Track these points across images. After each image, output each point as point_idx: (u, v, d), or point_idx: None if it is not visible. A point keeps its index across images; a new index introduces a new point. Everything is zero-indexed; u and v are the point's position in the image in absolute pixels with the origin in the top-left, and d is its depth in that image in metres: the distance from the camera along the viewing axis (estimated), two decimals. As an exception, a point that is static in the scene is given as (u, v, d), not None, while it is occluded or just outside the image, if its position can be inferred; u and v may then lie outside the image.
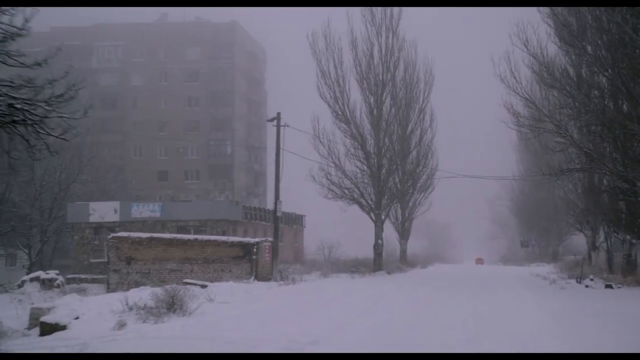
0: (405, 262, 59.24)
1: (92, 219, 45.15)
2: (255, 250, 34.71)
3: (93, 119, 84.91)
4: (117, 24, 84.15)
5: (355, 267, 47.15)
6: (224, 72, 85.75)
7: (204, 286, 27.05)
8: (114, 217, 45.29)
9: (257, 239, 35.37)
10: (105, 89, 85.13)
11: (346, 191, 43.99)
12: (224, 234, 45.02)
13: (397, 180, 45.94)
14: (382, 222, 44.57)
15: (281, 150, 37.96)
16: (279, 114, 38.14)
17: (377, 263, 44.10)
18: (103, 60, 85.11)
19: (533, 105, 31.00)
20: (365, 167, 43.98)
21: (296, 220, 60.95)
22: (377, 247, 44.24)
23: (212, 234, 44.79)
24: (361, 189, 44.13)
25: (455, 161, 46.23)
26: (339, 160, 43.72)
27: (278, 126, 37.77)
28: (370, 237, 70.01)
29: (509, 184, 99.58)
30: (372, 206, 44.06)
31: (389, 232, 62.58)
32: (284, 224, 57.69)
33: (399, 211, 60.42)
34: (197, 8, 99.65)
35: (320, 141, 43.58)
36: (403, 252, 60.46)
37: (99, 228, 44.34)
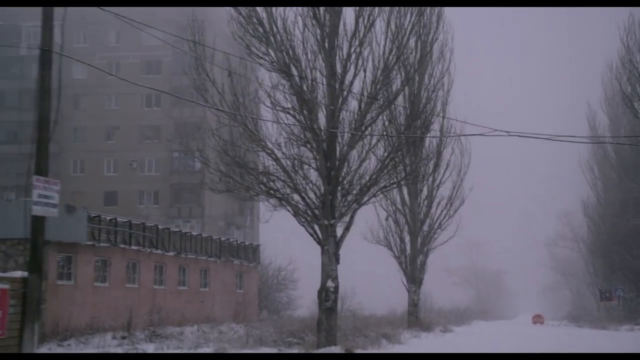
0: (415, 321, 36.08)
1: None
2: None
3: (19, 123, 65.27)
4: (52, -3, 63.80)
5: (298, 334, 24.62)
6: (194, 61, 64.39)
7: None
8: None
9: None
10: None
11: (262, 178, 21.33)
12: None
13: (364, 153, 22.34)
14: (338, 243, 21.60)
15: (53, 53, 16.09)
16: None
17: (326, 329, 20.97)
18: (35, 45, 64.44)
19: None
20: (304, 132, 21.34)
21: (241, 253, 38.20)
22: (326, 297, 21.19)
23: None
24: (293, 173, 21.44)
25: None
26: (246, 114, 21.24)
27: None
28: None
29: (576, 214, 75.34)
30: (315, 211, 21.28)
31: (391, 269, 39.66)
32: (213, 258, 35.03)
33: (407, 238, 37.47)
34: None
35: (207, 75, 21.46)
36: (412, 305, 37.11)
37: None
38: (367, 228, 37.44)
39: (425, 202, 37.60)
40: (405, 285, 37.50)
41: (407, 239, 37.40)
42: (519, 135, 17.78)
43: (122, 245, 27.77)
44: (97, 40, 65.12)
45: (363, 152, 21.66)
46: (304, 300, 65.12)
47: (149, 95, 64.98)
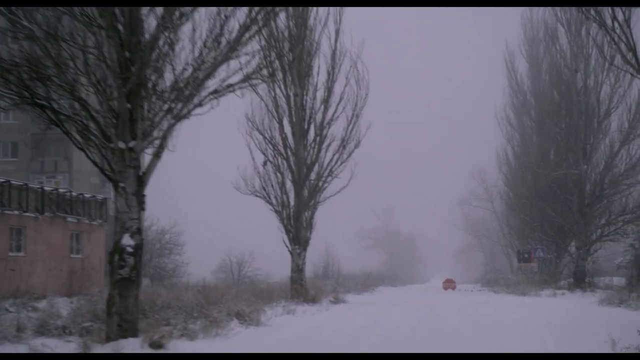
0: (300, 290, 28.92)
1: None
2: None
3: None
4: None
5: (92, 320, 16.85)
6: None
7: None
8: None
9: None
10: None
11: (10, 71, 13.46)
12: None
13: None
14: (142, 178, 13.96)
15: None
16: None
17: (119, 312, 13.31)
18: None
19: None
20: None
21: (79, 207, 29.91)
22: (121, 262, 13.53)
23: None
24: (66, 66, 13.61)
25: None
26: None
27: None
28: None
29: (491, 172, 69.96)
30: (105, 129, 13.52)
31: (272, 229, 32.26)
32: (32, 213, 26.68)
33: (289, 186, 30.22)
34: None
35: None
36: (297, 270, 29.92)
37: None
38: (239, 176, 29.99)
39: (314, 144, 30.27)
40: (287, 247, 30.20)
41: (291, 188, 30.10)
42: None
43: None
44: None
45: (178, 34, 13.87)
46: (194, 266, 58.09)
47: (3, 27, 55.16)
